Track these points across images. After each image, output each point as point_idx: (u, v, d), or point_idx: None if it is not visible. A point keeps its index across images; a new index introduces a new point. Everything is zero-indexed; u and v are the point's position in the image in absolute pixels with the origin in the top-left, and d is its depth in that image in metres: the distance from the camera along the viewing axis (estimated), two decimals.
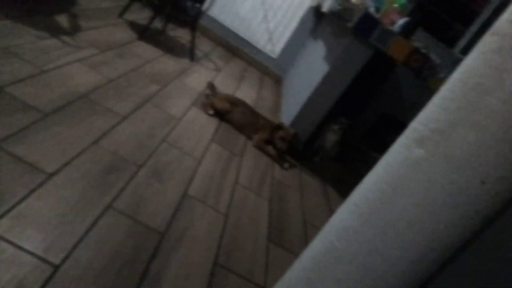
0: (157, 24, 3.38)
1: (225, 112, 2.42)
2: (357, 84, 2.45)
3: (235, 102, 2.46)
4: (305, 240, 1.80)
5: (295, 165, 2.52)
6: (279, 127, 2.41)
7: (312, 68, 2.80)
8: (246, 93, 3.16)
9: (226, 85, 3.03)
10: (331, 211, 2.22)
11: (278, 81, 4.07)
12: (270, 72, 4.09)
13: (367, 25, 2.08)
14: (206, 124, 2.26)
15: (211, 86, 2.60)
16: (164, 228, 1.35)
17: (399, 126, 1.05)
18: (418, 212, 0.74)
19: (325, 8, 2.61)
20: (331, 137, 2.66)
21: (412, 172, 0.76)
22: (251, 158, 2.24)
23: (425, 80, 2.16)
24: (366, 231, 0.82)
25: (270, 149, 2.40)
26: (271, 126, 2.43)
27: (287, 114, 2.74)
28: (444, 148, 0.72)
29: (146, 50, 2.69)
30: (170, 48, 3.04)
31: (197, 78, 2.73)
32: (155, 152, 1.71)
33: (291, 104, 2.81)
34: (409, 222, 0.75)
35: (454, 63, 3.40)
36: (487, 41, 0.71)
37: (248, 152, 2.28)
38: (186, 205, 1.52)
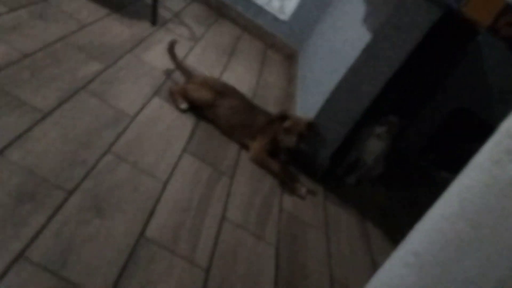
0: None
1: (206, 105, 2.42)
2: (416, 64, 2.46)
3: (221, 90, 2.46)
4: None
5: (314, 191, 2.51)
6: (283, 116, 2.40)
7: (344, 38, 2.81)
8: (240, 76, 3.17)
9: (208, 63, 3.04)
10: (375, 264, 2.21)
11: (290, 58, 4.09)
12: (278, 43, 4.11)
13: None
14: (176, 124, 2.26)
15: (171, 45, 2.56)
16: None
17: (482, 129, 1.05)
18: None
19: None
20: (374, 147, 2.66)
21: (504, 201, 0.76)
22: (247, 179, 2.23)
23: None
24: None
25: (277, 164, 2.39)
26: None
27: (305, 108, 2.75)
28: None
29: (82, 7, 2.70)
30: (120, 4, 3.06)
31: (162, 53, 2.74)
32: (94, 170, 1.70)
33: (311, 93, 2.82)
34: (500, 281, 0.75)
35: None
36: None
37: (242, 168, 2.28)
38: (143, 254, 1.51)
